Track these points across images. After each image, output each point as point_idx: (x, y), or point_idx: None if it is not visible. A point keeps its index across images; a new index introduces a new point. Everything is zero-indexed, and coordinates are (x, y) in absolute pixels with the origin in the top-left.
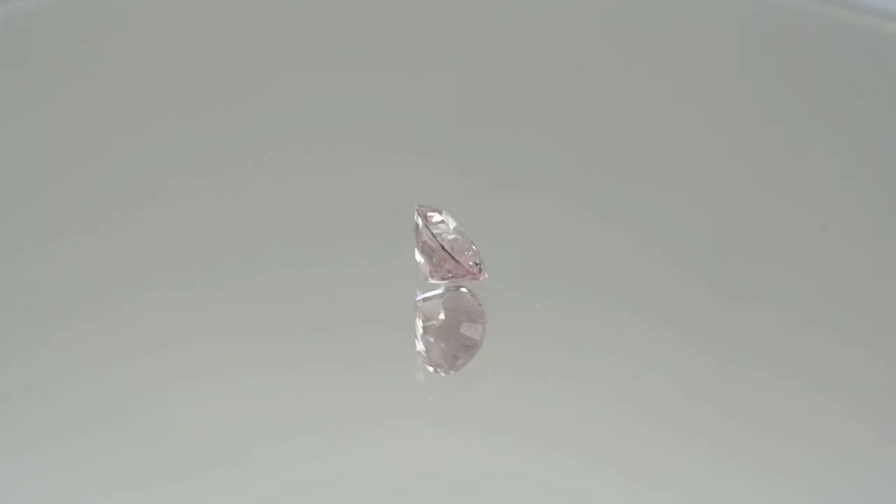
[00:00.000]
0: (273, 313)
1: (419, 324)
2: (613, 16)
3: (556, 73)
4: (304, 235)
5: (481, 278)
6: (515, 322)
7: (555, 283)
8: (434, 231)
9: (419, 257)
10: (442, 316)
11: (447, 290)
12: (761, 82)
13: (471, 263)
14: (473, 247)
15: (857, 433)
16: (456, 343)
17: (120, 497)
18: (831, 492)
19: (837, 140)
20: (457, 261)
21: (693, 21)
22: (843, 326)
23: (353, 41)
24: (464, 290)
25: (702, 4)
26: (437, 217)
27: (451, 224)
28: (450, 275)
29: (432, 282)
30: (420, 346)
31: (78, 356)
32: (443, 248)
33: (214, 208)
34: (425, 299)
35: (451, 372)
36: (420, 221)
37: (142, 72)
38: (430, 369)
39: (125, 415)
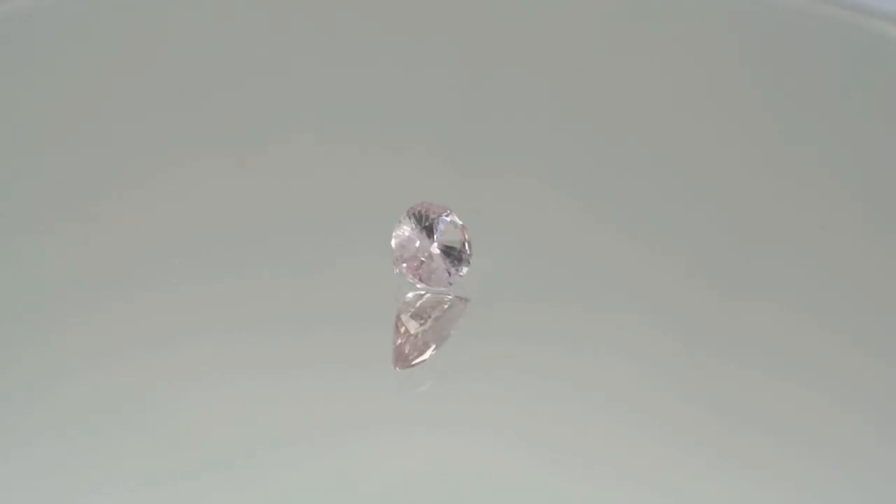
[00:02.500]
0: (268, 312)
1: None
2: (613, 15)
3: (555, 71)
4: (302, 234)
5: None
6: (512, 321)
7: (552, 282)
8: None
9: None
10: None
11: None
12: (762, 81)
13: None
14: (463, 245)
15: (857, 434)
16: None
17: (117, 497)
18: (831, 492)
19: (839, 139)
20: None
21: (694, 20)
22: (844, 326)
23: (349, 37)
24: (463, 301)
25: (703, 4)
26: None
27: (442, 225)
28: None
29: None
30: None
31: (75, 355)
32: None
33: (210, 205)
34: (417, 296)
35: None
36: (393, 242)
37: (136, 69)
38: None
39: (119, 415)
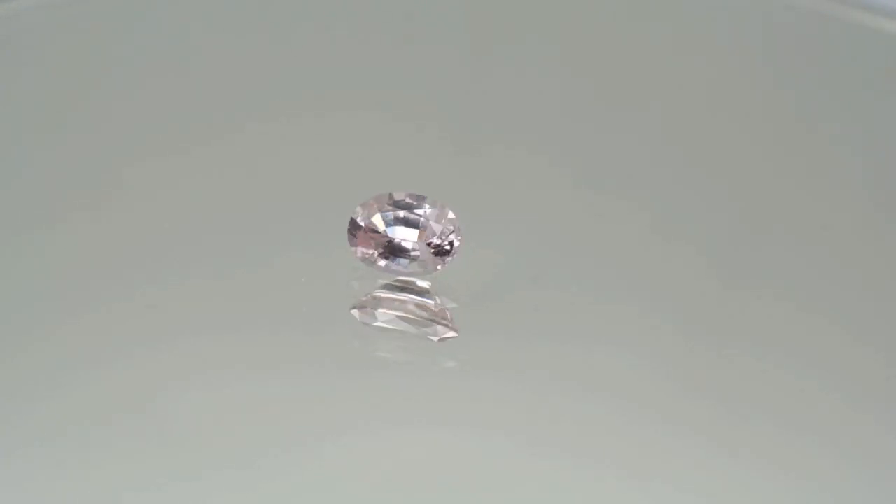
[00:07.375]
0: (263, 309)
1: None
2: None
3: (559, 50)
4: (297, 221)
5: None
6: (509, 314)
7: (553, 271)
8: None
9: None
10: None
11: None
12: (772, 75)
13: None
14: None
15: (859, 427)
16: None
17: (114, 496)
18: (832, 487)
19: (845, 135)
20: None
21: (706, 13)
22: (849, 319)
23: (342, 10)
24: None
25: None
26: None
27: (425, 225)
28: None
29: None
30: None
31: (72, 355)
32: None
33: (205, 196)
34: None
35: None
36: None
37: (133, 69)
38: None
39: (113, 418)
